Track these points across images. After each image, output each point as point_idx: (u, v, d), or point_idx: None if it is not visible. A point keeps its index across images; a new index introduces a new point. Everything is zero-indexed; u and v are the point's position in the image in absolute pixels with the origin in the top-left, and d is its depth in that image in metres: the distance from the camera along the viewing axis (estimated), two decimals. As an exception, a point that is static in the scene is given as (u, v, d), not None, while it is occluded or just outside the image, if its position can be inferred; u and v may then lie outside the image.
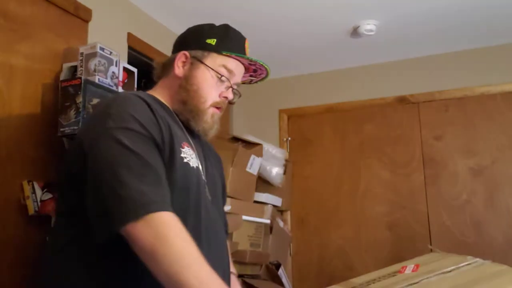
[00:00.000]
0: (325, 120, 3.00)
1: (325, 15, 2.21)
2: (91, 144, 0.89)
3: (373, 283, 1.21)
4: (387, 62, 2.88)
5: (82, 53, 1.56)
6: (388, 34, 2.44)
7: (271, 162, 2.58)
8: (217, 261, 1.00)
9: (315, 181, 2.94)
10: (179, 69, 1.09)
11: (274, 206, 2.56)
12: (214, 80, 1.08)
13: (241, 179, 2.27)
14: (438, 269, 1.17)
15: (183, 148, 0.98)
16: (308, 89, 3.06)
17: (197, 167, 1.02)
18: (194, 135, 1.11)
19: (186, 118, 1.08)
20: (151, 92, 1.12)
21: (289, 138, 3.06)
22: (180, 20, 2.28)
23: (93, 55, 1.53)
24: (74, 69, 1.60)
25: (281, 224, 2.59)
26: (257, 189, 2.44)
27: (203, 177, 1.06)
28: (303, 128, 3.05)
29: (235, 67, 1.11)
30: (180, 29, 1.20)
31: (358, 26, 2.32)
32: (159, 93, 1.11)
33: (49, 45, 1.63)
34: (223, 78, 1.09)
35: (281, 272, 2.44)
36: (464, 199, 2.59)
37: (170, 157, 0.94)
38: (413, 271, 1.22)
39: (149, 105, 0.97)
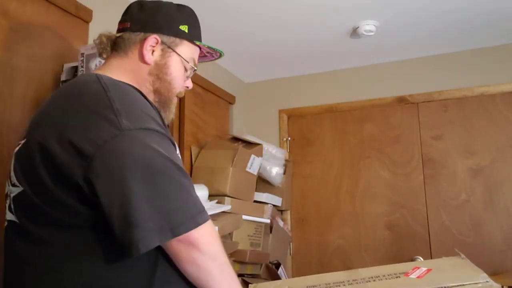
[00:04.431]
0: (325, 120, 3.01)
1: (324, 16, 2.22)
2: (106, 147, 0.76)
3: (373, 280, 1.20)
4: (386, 62, 2.89)
5: (82, 54, 1.56)
6: (387, 35, 2.45)
7: (271, 162, 2.59)
8: None
9: (315, 181, 2.95)
10: (148, 54, 0.97)
11: (274, 206, 2.57)
12: (183, 70, 1.03)
13: (241, 179, 2.28)
14: (442, 282, 1.12)
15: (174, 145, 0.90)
16: (308, 89, 3.07)
17: None
18: None
19: (156, 108, 0.99)
20: (109, 74, 0.94)
21: (289, 138, 3.07)
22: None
23: (94, 55, 1.53)
24: (75, 69, 1.61)
25: (281, 223, 2.60)
26: (257, 189, 2.45)
27: None
28: (303, 128, 3.06)
29: (197, 56, 1.07)
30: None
31: (358, 27, 2.32)
32: (123, 78, 0.94)
33: (50, 46, 1.63)
34: (192, 69, 1.05)
35: (281, 271, 2.45)
36: (463, 199, 2.59)
37: None
38: (418, 276, 1.17)
39: (145, 98, 0.88)
